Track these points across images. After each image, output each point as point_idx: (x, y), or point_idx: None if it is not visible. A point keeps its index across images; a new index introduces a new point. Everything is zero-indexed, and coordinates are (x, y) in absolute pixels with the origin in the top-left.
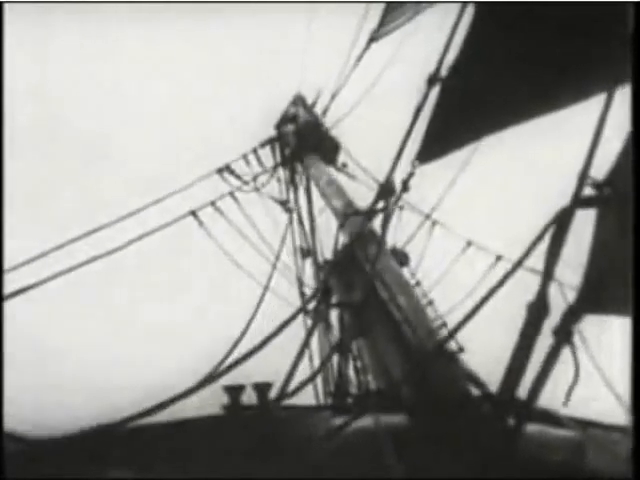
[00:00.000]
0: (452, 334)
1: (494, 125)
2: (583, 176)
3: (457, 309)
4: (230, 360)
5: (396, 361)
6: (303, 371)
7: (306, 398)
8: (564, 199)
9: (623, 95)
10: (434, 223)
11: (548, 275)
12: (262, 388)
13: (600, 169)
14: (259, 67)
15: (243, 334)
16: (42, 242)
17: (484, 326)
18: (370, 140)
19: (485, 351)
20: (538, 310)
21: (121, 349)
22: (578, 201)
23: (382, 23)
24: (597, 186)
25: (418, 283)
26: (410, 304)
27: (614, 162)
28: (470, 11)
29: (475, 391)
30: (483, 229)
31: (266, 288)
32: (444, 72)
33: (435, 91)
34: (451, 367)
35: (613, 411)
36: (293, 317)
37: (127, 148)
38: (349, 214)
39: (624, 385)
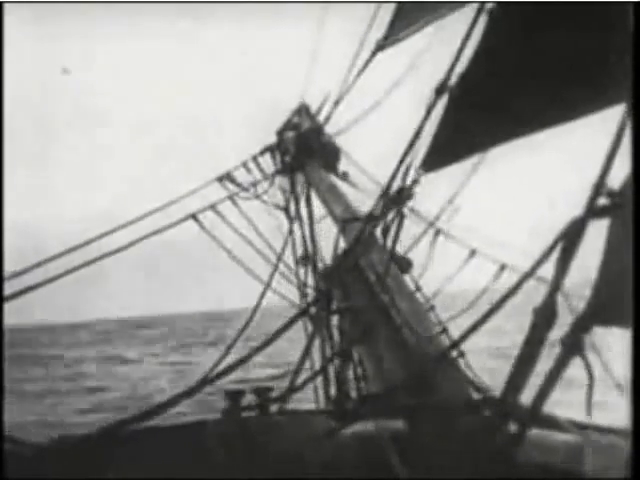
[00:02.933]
0: (457, 343)
1: (504, 135)
2: (599, 185)
3: (459, 317)
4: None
5: (396, 367)
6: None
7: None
8: (571, 207)
9: None
10: (437, 232)
11: (556, 285)
12: (262, 392)
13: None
14: (265, 72)
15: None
16: None
17: (485, 329)
18: (375, 148)
19: (486, 354)
20: (545, 316)
21: None
22: (591, 211)
23: (389, 31)
24: (611, 195)
25: (419, 289)
26: (411, 309)
27: (629, 171)
28: (483, 19)
29: (476, 395)
30: (488, 236)
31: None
32: (453, 80)
33: (444, 99)
34: (451, 371)
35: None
36: (292, 322)
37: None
38: (349, 220)
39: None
